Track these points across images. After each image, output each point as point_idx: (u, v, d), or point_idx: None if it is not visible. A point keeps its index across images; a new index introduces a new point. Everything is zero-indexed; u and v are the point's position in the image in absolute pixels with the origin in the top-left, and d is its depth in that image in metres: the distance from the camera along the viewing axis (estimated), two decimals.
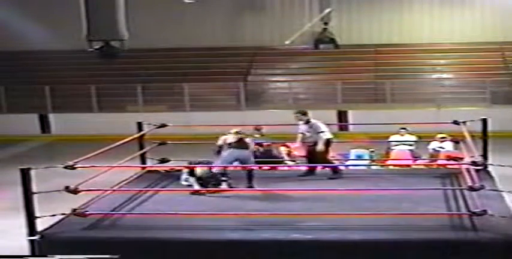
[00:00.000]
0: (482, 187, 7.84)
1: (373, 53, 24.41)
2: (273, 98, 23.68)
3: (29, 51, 24.48)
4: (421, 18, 24.69)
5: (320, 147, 10.26)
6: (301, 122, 10.61)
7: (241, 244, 7.51)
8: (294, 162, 13.08)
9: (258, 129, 13.90)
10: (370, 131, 15.61)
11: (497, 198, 8.55)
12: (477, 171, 8.61)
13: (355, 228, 7.61)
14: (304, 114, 10.59)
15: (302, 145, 10.83)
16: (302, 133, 10.60)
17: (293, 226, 7.75)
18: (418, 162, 13.25)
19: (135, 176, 10.49)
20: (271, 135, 14.17)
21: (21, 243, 8.00)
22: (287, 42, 20.68)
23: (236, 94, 22.63)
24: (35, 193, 7.78)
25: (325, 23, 22.41)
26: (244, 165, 9.56)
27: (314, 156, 10.36)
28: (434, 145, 13.76)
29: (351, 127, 19.16)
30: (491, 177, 9.81)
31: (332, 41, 22.89)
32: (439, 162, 12.78)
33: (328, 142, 10.41)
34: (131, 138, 10.61)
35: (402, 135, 14.12)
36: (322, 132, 10.36)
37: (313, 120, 10.55)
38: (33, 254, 7.66)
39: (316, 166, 10.47)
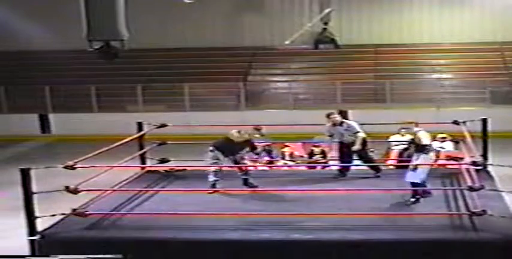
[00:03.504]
0: (482, 187, 7.86)
1: (373, 53, 24.39)
2: (273, 98, 23.67)
3: (29, 51, 24.45)
4: (421, 18, 24.67)
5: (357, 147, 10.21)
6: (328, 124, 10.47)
7: (241, 244, 7.51)
8: (294, 162, 13.10)
9: (257, 129, 13.89)
10: (370, 131, 15.60)
11: (497, 198, 8.56)
12: (477, 171, 8.62)
13: (355, 228, 7.61)
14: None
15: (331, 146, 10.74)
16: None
17: (293, 226, 7.75)
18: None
19: (135, 176, 10.49)
20: (271, 135, 14.17)
21: (21, 243, 8.01)
22: (287, 42, 20.67)
23: (236, 94, 22.62)
24: (35, 193, 7.79)
25: (325, 23, 22.39)
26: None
27: (350, 157, 10.36)
28: (434, 145, 13.73)
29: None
30: (491, 177, 9.82)
31: (332, 41, 22.87)
32: (439, 162, 12.77)
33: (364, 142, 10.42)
34: (131, 138, 10.62)
35: (402, 135, 14.10)
36: (358, 132, 10.33)
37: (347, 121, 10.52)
38: (33, 254, 7.67)
39: (349, 167, 10.49)
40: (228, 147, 9.58)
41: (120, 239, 7.70)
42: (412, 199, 8.63)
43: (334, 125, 10.36)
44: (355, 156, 10.48)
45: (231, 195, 9.35)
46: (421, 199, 8.66)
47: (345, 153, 10.38)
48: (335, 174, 10.51)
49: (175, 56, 24.53)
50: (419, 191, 8.68)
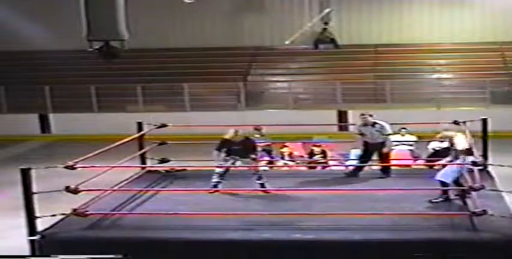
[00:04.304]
0: (482, 187, 7.85)
1: (373, 53, 24.40)
2: (273, 98, 23.67)
3: (29, 51, 24.46)
4: (421, 18, 24.68)
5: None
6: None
7: (241, 244, 7.51)
8: (294, 163, 13.11)
9: (258, 129, 13.91)
10: None
11: (497, 198, 8.56)
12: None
13: (355, 228, 7.61)
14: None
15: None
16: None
17: (293, 226, 7.76)
18: (418, 162, 13.24)
19: (135, 176, 10.50)
20: (271, 135, 14.18)
21: (21, 243, 8.01)
22: (287, 42, 20.62)
23: (236, 94, 22.63)
24: (35, 193, 7.79)
25: (325, 23, 22.34)
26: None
27: (371, 157, 10.45)
28: (434, 145, 13.74)
29: (351, 127, 19.16)
30: (491, 177, 9.82)
31: (332, 41, 22.85)
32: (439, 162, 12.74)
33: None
34: (131, 138, 10.62)
35: (402, 135, 14.12)
36: (389, 134, 10.42)
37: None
38: (33, 254, 7.67)
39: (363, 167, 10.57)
40: (228, 147, 9.54)
41: (120, 239, 7.70)
42: (440, 199, 8.63)
43: (365, 124, 10.36)
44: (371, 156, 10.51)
45: (231, 195, 9.35)
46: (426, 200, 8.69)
47: (368, 152, 10.39)
48: (346, 173, 10.52)
49: (175, 56, 24.53)
50: (448, 191, 8.66)
